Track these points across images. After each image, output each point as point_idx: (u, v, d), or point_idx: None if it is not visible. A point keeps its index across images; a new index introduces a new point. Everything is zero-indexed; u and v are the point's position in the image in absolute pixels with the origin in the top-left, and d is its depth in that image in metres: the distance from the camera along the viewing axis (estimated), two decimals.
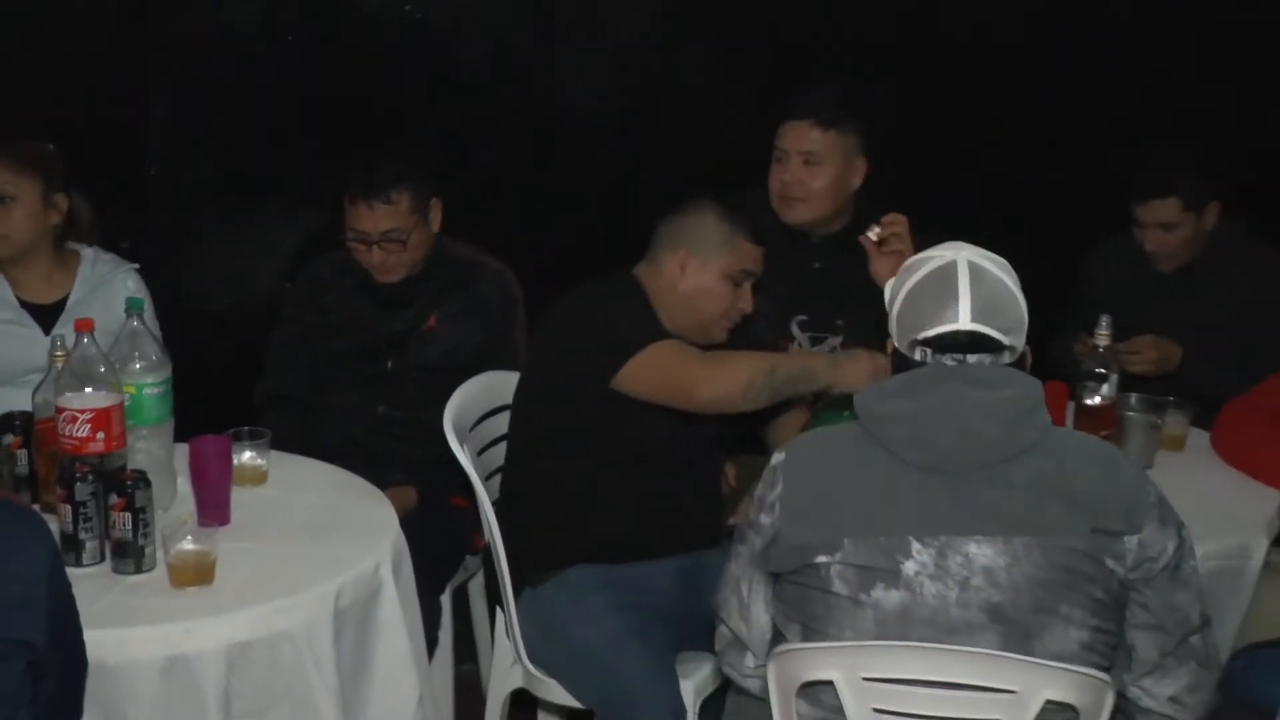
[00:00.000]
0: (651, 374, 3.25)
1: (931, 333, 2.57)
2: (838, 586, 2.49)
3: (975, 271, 2.57)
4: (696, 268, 3.37)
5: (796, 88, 4.02)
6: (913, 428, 2.52)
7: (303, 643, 2.85)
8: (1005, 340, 2.56)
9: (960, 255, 2.59)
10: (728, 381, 3.23)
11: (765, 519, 2.60)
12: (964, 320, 2.55)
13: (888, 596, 2.46)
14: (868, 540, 2.48)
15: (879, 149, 3.96)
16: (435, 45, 4.56)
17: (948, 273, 2.58)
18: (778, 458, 2.64)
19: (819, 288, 4.01)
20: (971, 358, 2.55)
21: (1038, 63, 4.74)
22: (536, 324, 3.57)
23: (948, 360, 2.56)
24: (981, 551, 2.45)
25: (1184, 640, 2.56)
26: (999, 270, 2.59)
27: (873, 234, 3.58)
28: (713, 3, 4.68)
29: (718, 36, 4.68)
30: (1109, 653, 2.52)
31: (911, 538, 2.46)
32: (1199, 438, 3.79)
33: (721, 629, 2.74)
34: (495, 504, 3.45)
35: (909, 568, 2.46)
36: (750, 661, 2.71)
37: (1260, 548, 3.38)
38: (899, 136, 4.12)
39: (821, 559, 2.50)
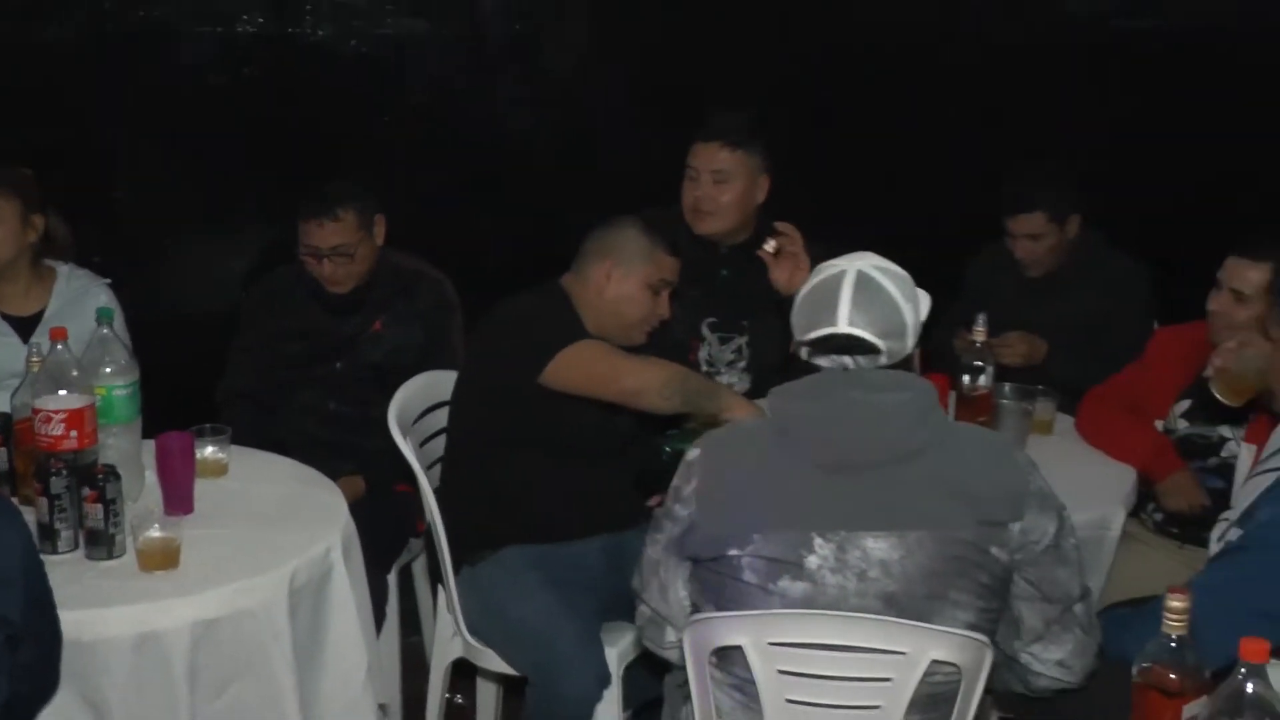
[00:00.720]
0: (578, 367, 3.23)
1: (813, 335, 2.57)
2: (748, 576, 2.48)
3: (861, 281, 2.55)
4: (620, 277, 3.36)
5: (707, 113, 4.02)
6: (819, 429, 2.51)
7: (262, 620, 2.83)
8: (880, 344, 2.53)
9: (854, 265, 2.58)
10: (649, 376, 3.23)
11: (682, 510, 2.58)
12: (841, 324, 2.54)
13: (793, 587, 2.46)
14: (775, 535, 2.47)
15: (780, 167, 3.97)
16: (380, 77, 4.54)
17: (835, 280, 2.57)
18: (694, 453, 2.62)
19: (726, 293, 4.02)
20: (849, 359, 2.54)
21: (925, 88, 4.74)
22: (473, 328, 3.55)
23: (825, 361, 2.56)
24: (878, 545, 2.44)
25: (1067, 609, 2.56)
26: (887, 279, 2.57)
27: (769, 247, 3.58)
28: (630, 40, 4.67)
29: (637, 69, 4.68)
30: (992, 626, 2.53)
31: (814, 533, 2.45)
32: (1065, 422, 3.81)
33: (641, 608, 2.73)
34: (436, 491, 3.42)
35: (812, 561, 2.45)
36: (671, 635, 2.69)
37: (1118, 519, 3.42)
38: (798, 156, 4.11)
39: (733, 551, 2.48)
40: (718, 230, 3.97)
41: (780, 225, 3.65)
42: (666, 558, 2.62)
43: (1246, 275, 3.48)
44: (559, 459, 3.37)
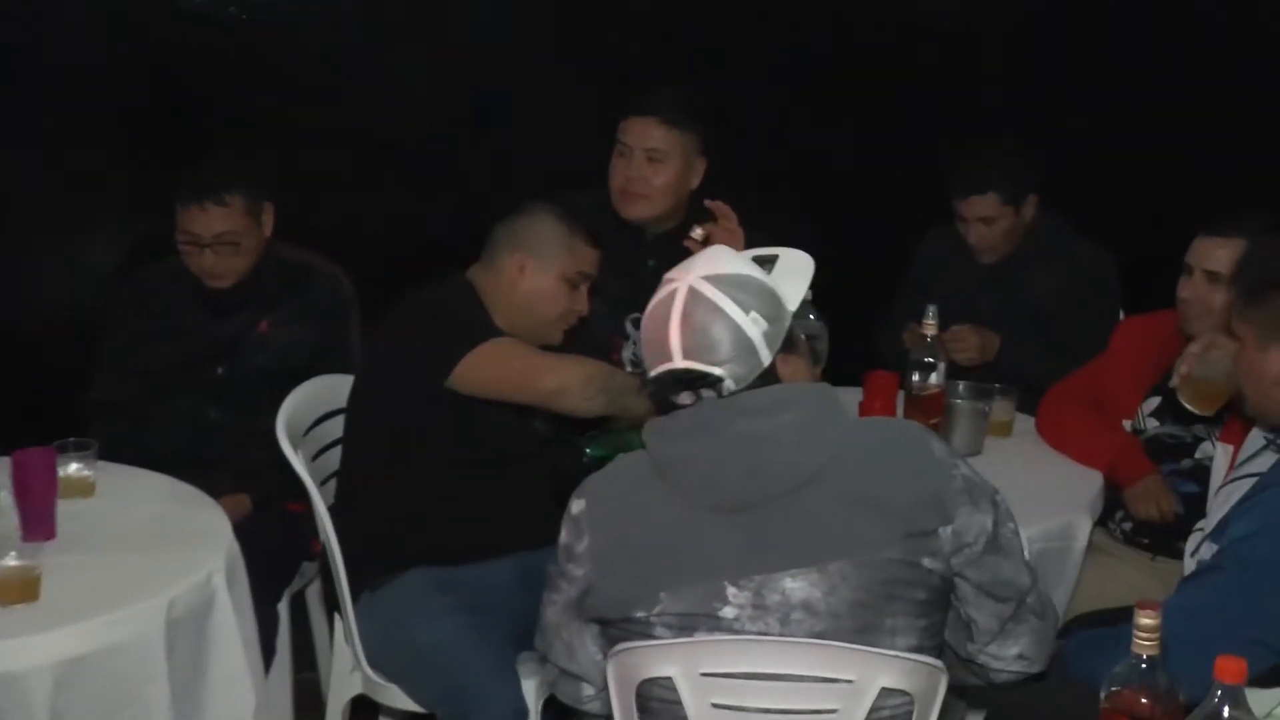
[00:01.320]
0: (490, 368, 3.24)
1: (653, 373, 2.52)
2: (660, 633, 2.46)
3: (691, 300, 2.49)
4: (534, 270, 3.37)
5: (635, 88, 4.02)
6: (702, 471, 2.48)
7: (135, 656, 2.80)
8: (719, 372, 2.46)
9: (685, 280, 2.51)
10: (569, 375, 3.25)
11: (576, 570, 2.55)
12: (676, 358, 2.48)
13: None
14: (683, 590, 2.45)
15: (715, 149, 3.98)
16: (261, 47, 4.49)
17: (665, 305, 2.52)
18: (578, 506, 2.58)
19: (653, 285, 3.99)
20: (693, 394, 2.49)
21: (869, 67, 4.76)
22: (372, 327, 3.53)
23: (681, 397, 2.50)
24: (797, 585, 2.42)
25: (1021, 603, 2.58)
26: (722, 291, 2.49)
27: (696, 234, 3.59)
28: (545, 3, 4.66)
29: (552, 37, 4.66)
30: (937, 640, 2.53)
31: (726, 582, 2.43)
32: (1025, 423, 3.85)
33: (549, 668, 2.69)
34: (332, 508, 3.41)
35: (727, 612, 2.43)
36: (588, 690, 2.66)
37: (1084, 528, 3.44)
38: (734, 137, 4.12)
39: (640, 613, 2.46)
40: (648, 215, 3.97)
41: (712, 204, 3.65)
42: (568, 620, 2.59)
43: (1217, 254, 3.51)
44: (469, 469, 3.36)
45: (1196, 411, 3.28)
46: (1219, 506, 2.98)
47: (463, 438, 3.32)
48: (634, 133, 3.95)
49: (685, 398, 2.50)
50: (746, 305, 2.49)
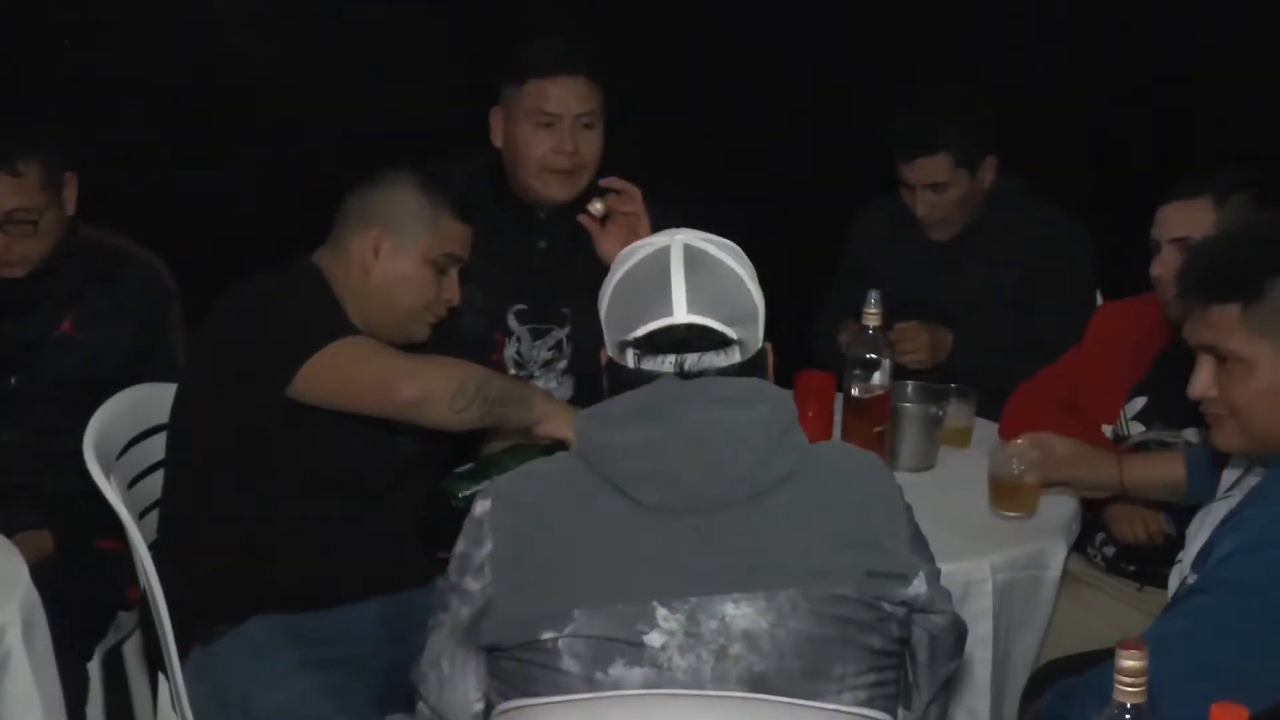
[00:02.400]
0: (339, 373, 3.21)
1: (643, 330, 2.55)
2: (567, 664, 2.45)
3: (692, 256, 2.57)
4: (392, 251, 3.36)
5: (510, 37, 4.02)
6: (651, 461, 2.49)
7: None
8: (731, 333, 2.55)
9: (676, 239, 2.59)
10: (434, 380, 3.21)
11: (473, 584, 2.53)
12: (679, 312, 2.54)
13: (629, 674, 2.44)
14: (603, 610, 2.45)
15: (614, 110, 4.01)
16: None
17: (658, 259, 2.58)
18: (482, 506, 2.57)
19: (543, 271, 4.02)
20: (691, 357, 2.54)
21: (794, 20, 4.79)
22: (197, 324, 3.51)
23: (658, 364, 2.55)
24: (740, 612, 2.44)
25: (955, 658, 2.68)
26: (724, 254, 2.59)
27: (594, 208, 3.59)
28: None
29: None
30: (890, 705, 2.56)
31: (656, 602, 2.44)
32: (986, 430, 3.88)
33: (420, 706, 2.69)
34: (153, 545, 3.38)
35: (654, 639, 2.44)
36: None
37: (1059, 554, 3.49)
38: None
39: (548, 634, 2.45)
40: (577, 193, 3.94)
41: (612, 181, 3.65)
42: (453, 647, 2.58)
43: (1184, 219, 3.57)
44: (318, 496, 3.35)
45: (1011, 515, 3.45)
46: (1200, 531, 3.02)
47: (311, 458, 3.32)
48: (560, 97, 3.89)
49: (668, 365, 2.53)
50: (749, 273, 2.60)
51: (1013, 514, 3.44)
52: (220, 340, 3.35)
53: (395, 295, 3.37)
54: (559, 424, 3.20)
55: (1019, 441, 3.48)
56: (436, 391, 3.20)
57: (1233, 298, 2.80)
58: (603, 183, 3.70)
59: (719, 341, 2.54)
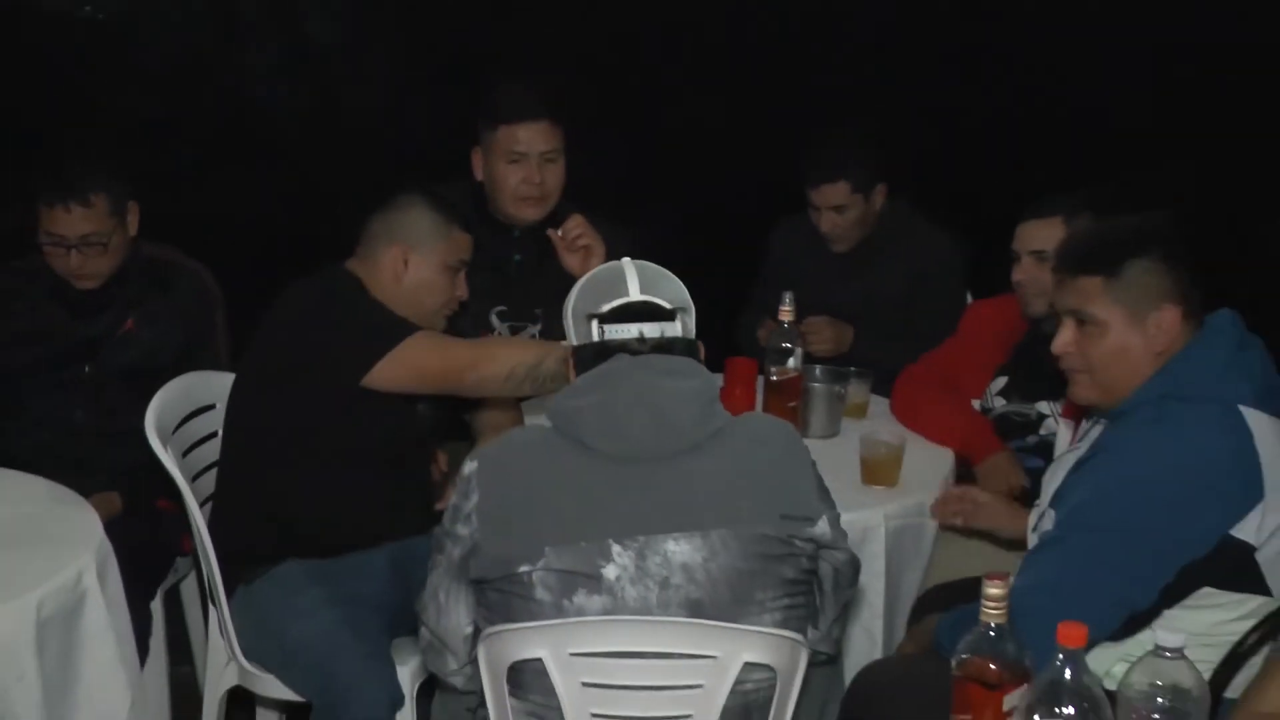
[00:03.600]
0: (414, 364, 3.22)
1: (608, 307, 2.63)
2: (540, 594, 2.47)
3: (639, 264, 2.69)
4: (417, 262, 3.34)
5: (494, 89, 4.03)
6: (606, 418, 2.52)
7: (3, 659, 2.76)
8: (672, 307, 2.64)
9: (624, 259, 2.71)
10: (489, 369, 3.24)
11: (463, 529, 2.56)
12: (634, 292, 2.63)
13: (590, 602, 2.46)
14: (568, 547, 2.47)
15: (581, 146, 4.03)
16: (118, 45, 4.42)
17: (615, 266, 2.70)
18: (470, 466, 2.61)
19: (518, 279, 4.03)
20: (649, 325, 2.61)
21: (718, 66, 4.80)
22: (239, 320, 3.49)
23: (619, 331, 2.61)
24: (679, 549, 2.46)
25: (853, 586, 2.70)
26: (661, 269, 2.71)
27: (556, 234, 3.62)
28: (387, 10, 4.64)
29: (402, 35, 4.64)
30: (801, 624, 2.57)
31: (611, 541, 2.46)
32: (879, 404, 3.90)
33: (423, 630, 2.71)
34: (204, 503, 3.37)
35: (610, 572, 2.46)
36: (452, 663, 2.68)
37: None
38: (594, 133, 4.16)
39: (523, 568, 2.47)
40: (544, 215, 3.97)
41: (567, 224, 3.70)
42: (447, 582, 2.60)
43: (1040, 234, 3.61)
44: (349, 465, 3.34)
45: (877, 488, 3.47)
46: (1054, 477, 3.03)
47: (354, 436, 3.30)
48: (527, 139, 3.93)
49: (632, 331, 2.60)
50: (680, 283, 2.69)
51: (878, 487, 3.45)
52: (285, 338, 3.32)
53: (422, 297, 3.35)
54: None
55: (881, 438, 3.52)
56: (490, 377, 3.23)
57: (1098, 271, 2.82)
58: (549, 233, 3.74)
59: (668, 314, 2.62)
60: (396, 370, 3.21)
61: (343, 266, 3.40)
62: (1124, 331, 2.82)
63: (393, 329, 3.24)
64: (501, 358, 3.27)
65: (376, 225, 3.39)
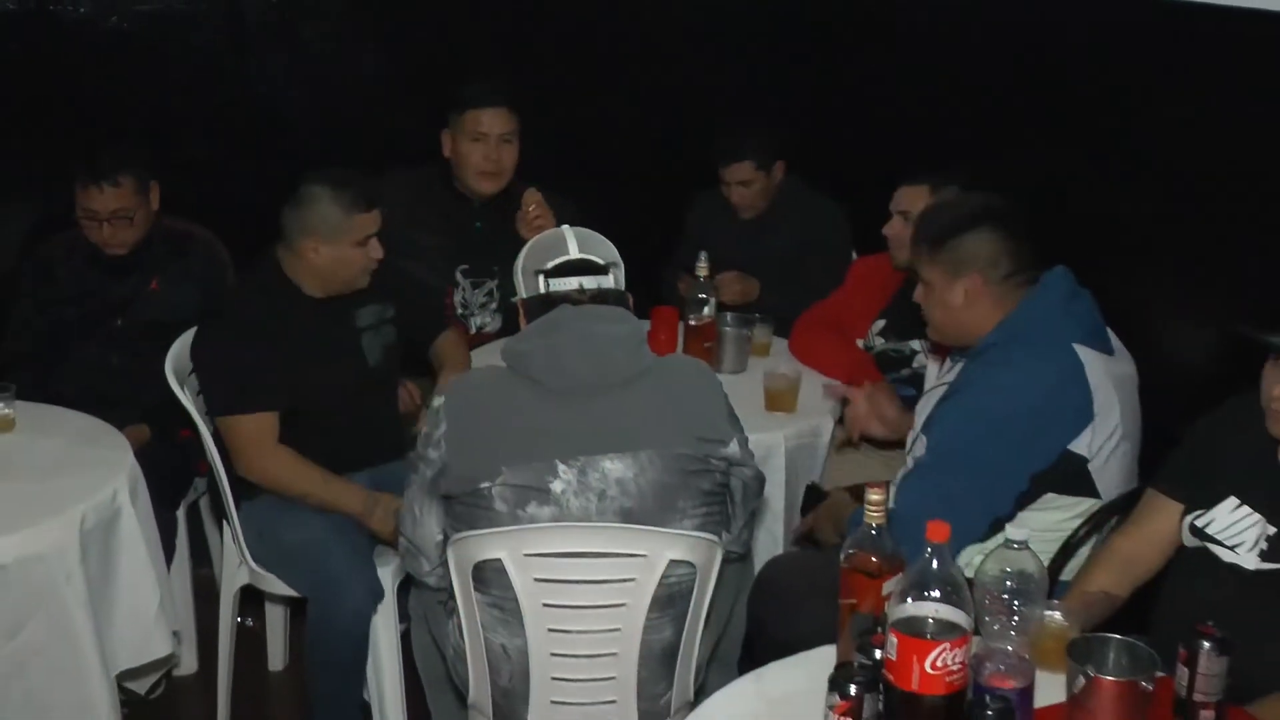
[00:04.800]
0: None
1: (551, 264, 2.64)
2: (499, 505, 2.48)
3: (576, 229, 2.71)
4: (328, 248, 3.23)
5: (462, 80, 3.99)
6: (552, 358, 2.52)
7: (53, 562, 2.76)
8: (605, 263, 2.65)
9: (564, 226, 2.73)
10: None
11: (434, 453, 2.55)
12: (573, 251, 2.64)
13: (541, 511, 2.47)
14: (522, 466, 2.48)
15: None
16: (141, 52, 4.35)
17: (556, 232, 2.72)
18: (438, 401, 2.61)
19: (479, 242, 4.01)
20: (587, 278, 2.62)
21: (644, 68, 4.77)
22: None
23: (561, 285, 2.62)
24: (614, 466, 2.47)
25: (759, 497, 2.72)
26: (594, 232, 2.72)
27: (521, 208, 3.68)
28: (383, 12, 4.58)
29: (389, 41, 4.60)
30: (717, 529, 2.59)
31: (558, 460, 2.47)
32: (780, 345, 3.90)
33: (401, 539, 2.70)
34: (215, 434, 3.31)
35: (556, 486, 2.47)
36: (425, 565, 2.67)
37: (828, 427, 3.53)
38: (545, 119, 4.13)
39: (484, 484, 2.48)
40: (501, 188, 3.95)
41: (526, 205, 3.73)
42: (421, 497, 2.60)
43: (907, 197, 3.61)
44: (333, 402, 3.31)
45: (778, 414, 3.47)
46: (925, 408, 3.05)
47: (302, 404, 3.26)
48: (489, 122, 3.91)
49: (573, 283, 2.62)
50: (610, 245, 2.71)
51: (779, 413, 3.46)
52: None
53: (338, 271, 3.26)
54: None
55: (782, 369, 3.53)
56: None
57: (928, 242, 2.89)
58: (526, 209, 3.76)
59: (602, 269, 2.64)
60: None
61: (273, 253, 3.29)
62: (944, 290, 2.87)
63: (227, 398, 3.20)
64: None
65: (289, 219, 3.24)
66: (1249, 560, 2.42)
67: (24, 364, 3.65)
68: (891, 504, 2.28)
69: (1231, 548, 2.45)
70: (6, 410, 3.21)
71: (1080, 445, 2.79)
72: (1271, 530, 2.41)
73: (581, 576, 2.48)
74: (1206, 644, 2.04)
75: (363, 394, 3.39)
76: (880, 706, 1.92)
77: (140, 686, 3.54)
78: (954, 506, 2.64)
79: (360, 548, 3.20)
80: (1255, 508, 2.44)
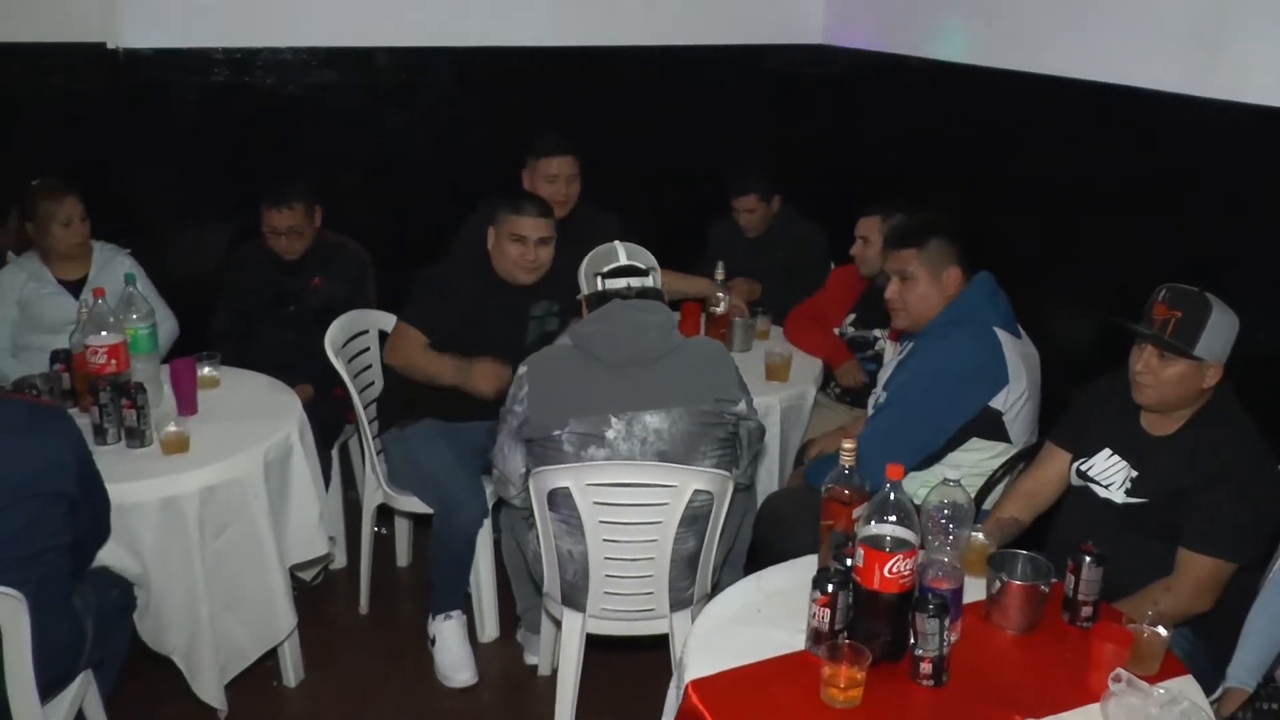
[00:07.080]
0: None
1: (606, 269, 2.62)
2: (567, 448, 2.49)
3: (624, 244, 2.68)
4: (495, 237, 3.24)
5: (537, 132, 3.93)
6: (607, 338, 2.52)
7: (246, 484, 2.79)
8: (647, 269, 2.63)
9: (615, 242, 2.69)
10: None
11: (519, 409, 2.56)
12: (623, 259, 2.63)
13: (598, 453, 2.48)
14: (585, 419, 2.48)
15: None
16: (309, 112, 4.38)
17: (610, 244, 2.69)
18: (522, 370, 2.59)
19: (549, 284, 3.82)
20: (635, 281, 2.60)
21: (676, 122, 4.75)
22: (394, 281, 3.48)
23: (614, 283, 2.60)
24: (653, 419, 2.48)
25: (760, 443, 2.70)
26: (637, 246, 2.70)
27: None
28: (479, 82, 4.57)
29: (484, 100, 4.59)
30: (728, 466, 2.59)
31: (611, 415, 2.47)
32: (777, 332, 3.88)
33: (495, 470, 2.71)
34: (363, 391, 3.33)
35: (610, 434, 2.47)
36: (512, 490, 2.68)
37: (811, 393, 3.50)
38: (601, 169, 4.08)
39: (556, 432, 2.49)
40: (564, 215, 3.72)
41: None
42: (509, 440, 2.61)
43: (864, 226, 3.59)
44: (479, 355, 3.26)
45: (775, 383, 3.38)
46: (884, 373, 3.04)
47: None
48: (558, 166, 3.73)
49: (623, 282, 2.60)
50: (650, 254, 2.68)
51: (776, 382, 3.42)
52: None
53: (498, 259, 3.24)
54: (479, 383, 3.17)
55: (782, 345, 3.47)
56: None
57: (912, 244, 2.85)
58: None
59: (644, 272, 2.62)
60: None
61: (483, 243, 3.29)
62: (927, 283, 2.83)
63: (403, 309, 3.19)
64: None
65: (485, 215, 3.28)
66: (1118, 496, 2.42)
67: (226, 339, 3.68)
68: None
69: (1105, 486, 2.45)
70: (214, 372, 3.23)
71: (997, 402, 2.78)
72: (1134, 474, 2.41)
73: (628, 500, 2.50)
74: (1087, 559, 2.06)
75: (509, 359, 3.36)
76: (850, 600, 1.94)
77: (306, 575, 3.57)
78: (900, 440, 2.69)
79: (475, 477, 3.19)
80: (1123, 456, 2.44)
